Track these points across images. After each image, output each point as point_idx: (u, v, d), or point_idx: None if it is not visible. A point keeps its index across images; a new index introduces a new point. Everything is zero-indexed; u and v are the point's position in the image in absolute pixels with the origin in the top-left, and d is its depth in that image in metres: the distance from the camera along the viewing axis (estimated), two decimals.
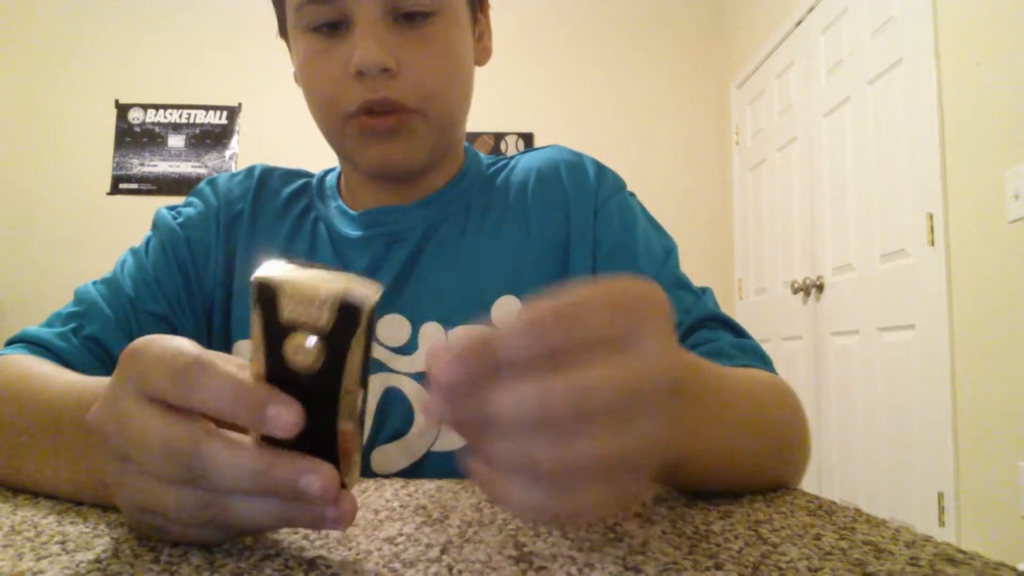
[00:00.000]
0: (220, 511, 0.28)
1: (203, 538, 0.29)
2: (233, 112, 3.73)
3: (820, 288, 2.72)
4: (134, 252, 0.65)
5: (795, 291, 2.84)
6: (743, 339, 0.57)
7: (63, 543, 0.30)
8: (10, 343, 0.56)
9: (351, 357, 0.26)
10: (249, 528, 0.29)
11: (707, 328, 0.57)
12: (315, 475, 0.26)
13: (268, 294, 0.26)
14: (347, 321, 0.25)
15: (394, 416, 0.59)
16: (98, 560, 0.28)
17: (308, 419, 0.26)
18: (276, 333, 0.26)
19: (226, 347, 0.63)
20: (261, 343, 0.26)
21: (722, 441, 0.38)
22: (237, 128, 3.72)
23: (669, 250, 0.64)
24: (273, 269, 0.27)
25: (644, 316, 0.26)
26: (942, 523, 1.96)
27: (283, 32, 0.64)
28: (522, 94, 3.70)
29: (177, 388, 0.27)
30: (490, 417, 0.23)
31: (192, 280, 0.64)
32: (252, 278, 0.26)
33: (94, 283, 0.62)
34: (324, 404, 0.27)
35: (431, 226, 0.64)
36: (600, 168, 0.68)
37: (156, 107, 3.71)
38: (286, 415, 0.26)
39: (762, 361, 0.54)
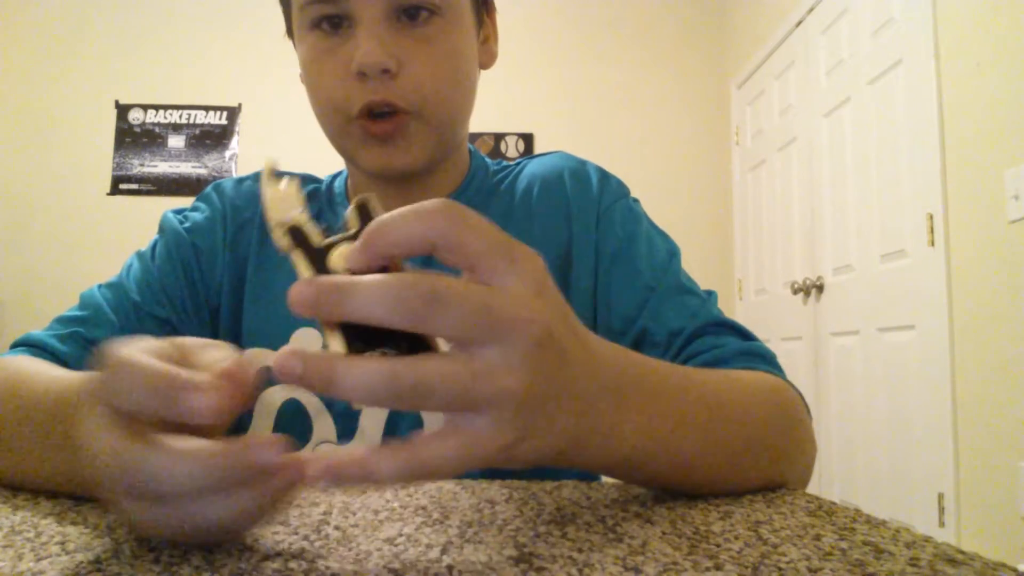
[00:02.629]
0: (188, 519, 0.26)
1: (196, 540, 0.29)
2: (233, 112, 3.73)
3: (820, 288, 2.72)
4: (140, 256, 0.65)
5: (795, 291, 2.84)
6: (750, 342, 0.56)
7: (63, 543, 0.30)
8: (13, 347, 0.57)
9: None
10: (228, 527, 0.27)
11: (711, 335, 0.57)
12: (266, 445, 0.25)
13: (299, 235, 0.28)
14: (367, 216, 0.28)
15: (403, 426, 0.59)
16: (98, 560, 0.28)
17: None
18: (320, 258, 0.28)
19: None
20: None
21: (683, 442, 0.37)
22: (237, 128, 3.72)
23: (672, 254, 0.64)
24: (287, 215, 0.28)
25: (519, 260, 0.27)
26: (942, 524, 1.96)
27: (291, 32, 0.64)
28: (522, 94, 3.70)
29: (107, 394, 0.27)
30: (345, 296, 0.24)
31: (198, 285, 0.64)
32: (281, 226, 0.28)
33: (99, 287, 0.62)
34: None
35: None
36: (603, 175, 0.68)
37: (156, 107, 3.70)
38: (197, 400, 0.24)
39: (767, 363, 0.54)
